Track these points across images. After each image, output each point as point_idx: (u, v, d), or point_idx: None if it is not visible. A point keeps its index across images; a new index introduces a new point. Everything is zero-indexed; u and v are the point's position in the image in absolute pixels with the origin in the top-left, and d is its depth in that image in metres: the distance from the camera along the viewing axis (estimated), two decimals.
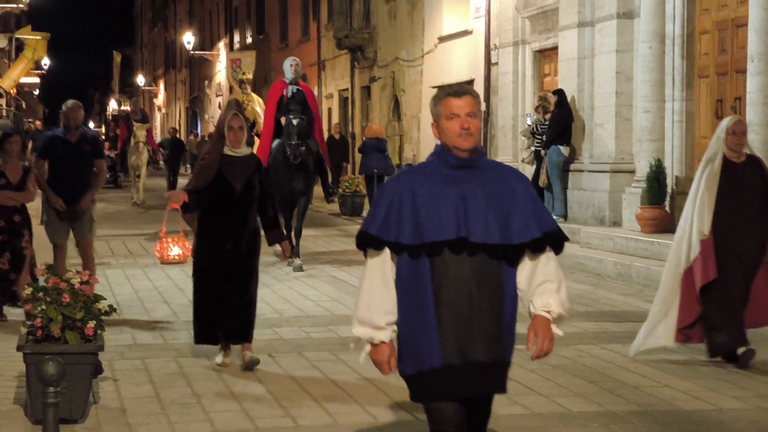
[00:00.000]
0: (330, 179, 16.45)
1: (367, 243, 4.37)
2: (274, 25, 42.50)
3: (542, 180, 17.15)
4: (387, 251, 4.32)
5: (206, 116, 57.33)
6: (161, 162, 32.83)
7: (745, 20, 13.37)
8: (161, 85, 75.88)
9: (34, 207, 12.31)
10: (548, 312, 4.44)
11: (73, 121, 10.59)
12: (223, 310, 8.27)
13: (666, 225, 14.59)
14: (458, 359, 4.25)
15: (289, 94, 14.77)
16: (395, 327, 4.34)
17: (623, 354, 9.05)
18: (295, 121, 14.31)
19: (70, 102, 10.75)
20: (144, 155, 26.80)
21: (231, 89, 24.90)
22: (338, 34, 31.66)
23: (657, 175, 14.59)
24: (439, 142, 4.43)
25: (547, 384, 8.02)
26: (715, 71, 14.55)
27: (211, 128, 52.78)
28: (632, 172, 15.96)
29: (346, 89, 33.09)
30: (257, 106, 18.28)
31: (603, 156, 16.48)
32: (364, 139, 24.36)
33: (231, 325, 8.32)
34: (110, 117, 55.14)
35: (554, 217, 16.78)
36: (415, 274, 4.28)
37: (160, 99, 76.50)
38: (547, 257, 4.45)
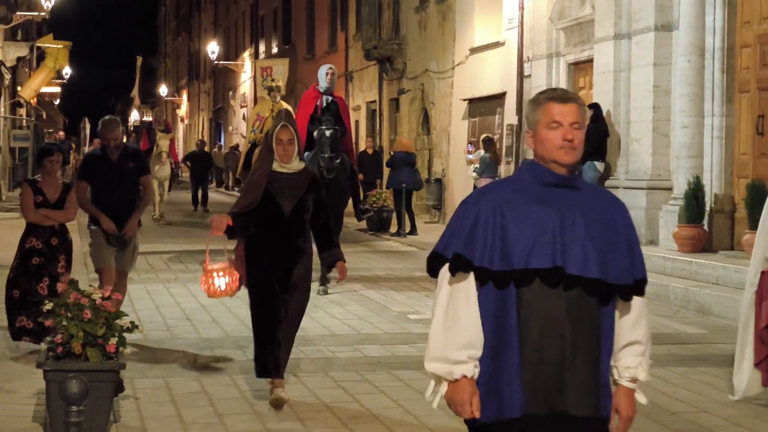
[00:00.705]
0: (362, 196, 16.41)
1: (456, 265, 3.79)
2: (301, 36, 42.66)
3: None
4: (472, 276, 3.79)
5: (230, 128, 57.53)
6: (183, 175, 32.50)
7: None
8: (184, 96, 76.25)
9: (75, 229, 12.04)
10: (634, 381, 3.93)
11: (113, 140, 9.79)
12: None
13: (704, 244, 14.52)
14: (545, 410, 3.77)
15: (324, 104, 14.41)
16: (478, 363, 3.81)
17: (661, 377, 8.98)
18: (328, 133, 13.88)
19: (106, 118, 9.98)
20: (167, 167, 26.57)
21: (257, 100, 24.82)
22: (366, 44, 31.71)
23: (695, 193, 14.52)
24: (528, 157, 3.96)
25: None
26: (756, 86, 14.47)
27: (236, 140, 53.09)
28: (669, 189, 15.89)
29: (374, 101, 33.14)
30: None
31: (639, 172, 16.42)
32: (392, 152, 24.38)
33: (275, 355, 7.79)
34: (131, 128, 55.37)
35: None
36: (499, 306, 3.78)
37: (183, 110, 76.87)
38: (640, 312, 3.92)
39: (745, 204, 13.52)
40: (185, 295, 13.48)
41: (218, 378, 8.78)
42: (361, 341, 10.53)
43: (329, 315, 12.18)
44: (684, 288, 13.08)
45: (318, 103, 14.40)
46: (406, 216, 22.90)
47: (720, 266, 13.21)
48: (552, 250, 3.75)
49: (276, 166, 7.64)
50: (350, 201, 15.32)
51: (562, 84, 19.88)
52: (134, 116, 75.29)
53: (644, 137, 16.31)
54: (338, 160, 13.98)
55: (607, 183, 17.08)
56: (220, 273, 7.33)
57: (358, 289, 14.31)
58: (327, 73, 14.60)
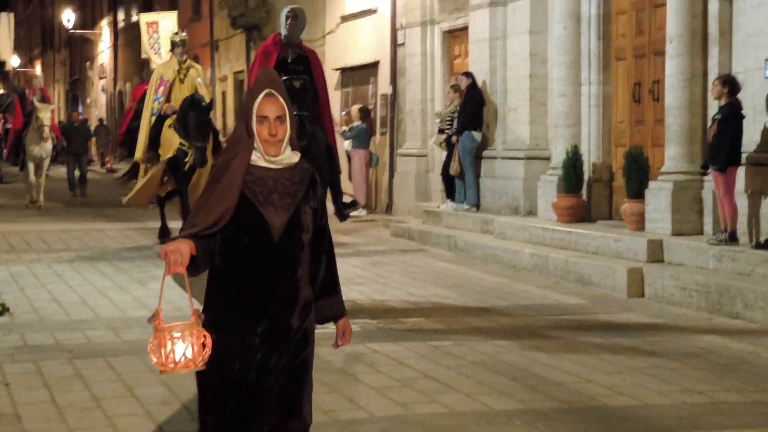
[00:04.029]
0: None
1: None
2: (163, 3, 42.10)
3: (454, 168, 17.34)
4: None
5: (88, 100, 56.57)
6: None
7: (663, 0, 13.66)
8: (38, 67, 74.62)
9: None
10: None
11: None
12: None
13: (583, 214, 14.88)
14: None
15: (289, 57, 11.60)
16: None
17: (544, 349, 9.24)
18: (297, 84, 11.13)
19: None
20: (48, 144, 23.20)
21: (149, 62, 22.01)
22: (233, 12, 31.48)
23: (573, 162, 14.85)
24: None
25: (467, 381, 8.15)
26: (632, 53, 14.85)
27: (96, 113, 52.23)
28: (547, 158, 16.24)
29: (242, 71, 32.95)
30: (199, 77, 16.22)
31: (517, 142, 16.73)
32: None
33: None
34: None
35: (465, 207, 17.06)
36: None
37: (39, 81, 75.13)
38: None
39: (623, 172, 13.89)
40: (51, 275, 13.31)
41: (92, 361, 8.72)
42: None
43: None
44: (564, 258, 13.40)
45: (280, 58, 11.57)
46: None
47: (599, 236, 13.56)
48: None
49: (257, 160, 4.76)
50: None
51: (437, 52, 20.07)
52: None
53: (521, 106, 16.62)
54: (305, 127, 11.07)
55: (485, 153, 17.36)
56: (180, 335, 4.49)
57: None
58: (287, 17, 11.67)
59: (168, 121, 15.73)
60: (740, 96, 11.96)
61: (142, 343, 9.31)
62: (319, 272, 4.89)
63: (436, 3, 20.05)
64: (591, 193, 15.14)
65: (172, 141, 15.62)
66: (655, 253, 12.58)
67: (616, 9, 15.14)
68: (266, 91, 4.73)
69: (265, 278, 4.68)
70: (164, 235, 16.34)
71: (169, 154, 15.59)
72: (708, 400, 7.65)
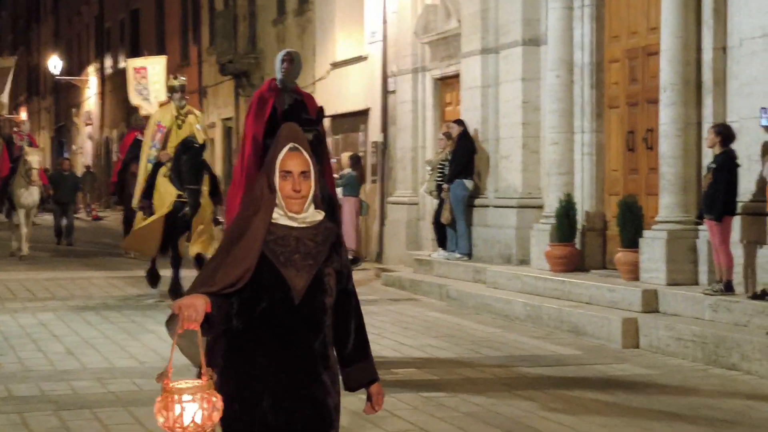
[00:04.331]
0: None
1: None
2: (151, 49, 42.09)
3: (445, 217, 17.35)
4: None
5: (74, 147, 56.58)
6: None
7: (656, 48, 13.75)
8: (23, 114, 74.72)
9: None
10: None
11: None
12: None
13: (576, 263, 14.88)
14: None
15: (285, 105, 10.93)
16: None
17: (538, 401, 9.20)
18: (309, 135, 9.94)
19: None
20: (36, 191, 22.54)
21: (138, 109, 21.17)
22: (221, 58, 31.63)
23: (567, 211, 14.87)
24: None
25: None
26: (625, 101, 14.93)
27: (82, 160, 52.20)
28: (540, 207, 16.26)
29: (230, 118, 33.05)
30: (198, 123, 15.57)
31: (509, 190, 16.76)
32: None
33: None
34: None
35: (457, 256, 17.04)
36: None
37: (26, 127, 75.18)
38: None
39: (617, 221, 13.92)
40: (35, 325, 13.24)
41: (78, 412, 8.65)
42: None
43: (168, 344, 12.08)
44: (558, 308, 13.39)
45: (276, 104, 10.94)
46: None
47: (593, 285, 13.56)
48: None
49: (279, 218, 4.57)
50: None
51: (429, 99, 20.15)
52: None
53: (514, 154, 16.66)
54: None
55: (477, 201, 17.38)
56: (190, 397, 4.13)
57: None
58: (283, 60, 11.07)
59: (162, 170, 15.16)
60: (735, 145, 12.02)
61: (128, 394, 9.30)
62: (347, 338, 4.65)
63: (427, 50, 20.15)
64: (584, 242, 15.15)
65: (166, 192, 15.03)
66: (650, 303, 12.58)
67: (609, 57, 15.24)
68: (290, 145, 4.55)
69: (284, 343, 4.43)
70: (154, 280, 16.06)
71: (164, 210, 14.97)
72: None
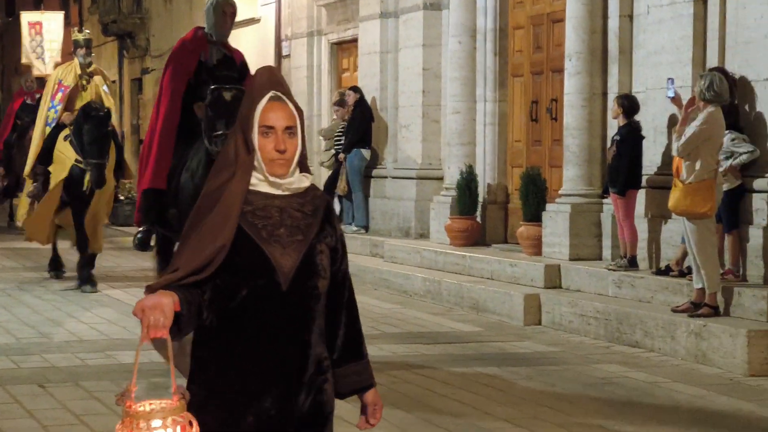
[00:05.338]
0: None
1: None
2: (28, 6, 41.48)
3: (341, 187, 17.35)
4: None
5: None
6: None
7: (562, 15, 13.88)
8: None
9: None
10: None
11: None
12: None
13: (477, 237, 15.02)
14: None
15: (213, 59, 9.65)
16: None
17: (439, 379, 9.30)
18: (228, 95, 8.97)
19: None
20: None
21: (30, 69, 20.15)
22: (104, 18, 31.18)
23: (468, 183, 14.97)
24: None
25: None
26: (529, 69, 15.05)
27: None
28: (440, 178, 16.36)
29: (114, 81, 32.57)
30: (104, 84, 14.88)
31: (408, 161, 16.83)
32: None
33: None
34: None
35: (354, 229, 17.09)
36: None
37: None
38: None
39: (519, 194, 14.07)
40: None
41: None
42: (113, 347, 10.43)
43: (74, 319, 12.00)
44: (458, 284, 13.50)
45: (202, 58, 9.67)
46: None
47: (494, 260, 13.70)
48: None
49: (258, 184, 3.85)
50: None
51: (325, 64, 20.11)
52: None
53: (413, 123, 16.73)
54: None
55: (375, 172, 17.42)
56: (160, 422, 3.43)
57: (103, 290, 14.10)
58: (224, 12, 9.74)
59: (65, 132, 14.18)
60: (641, 116, 12.21)
61: (5, 372, 9.18)
62: (337, 331, 3.96)
63: (323, 12, 20.09)
64: (486, 216, 15.29)
65: (66, 157, 14.01)
66: (553, 278, 12.76)
67: (513, 23, 15.33)
68: (271, 93, 3.81)
69: (269, 340, 3.75)
70: (56, 267, 15.16)
71: (63, 175, 13.98)
72: None
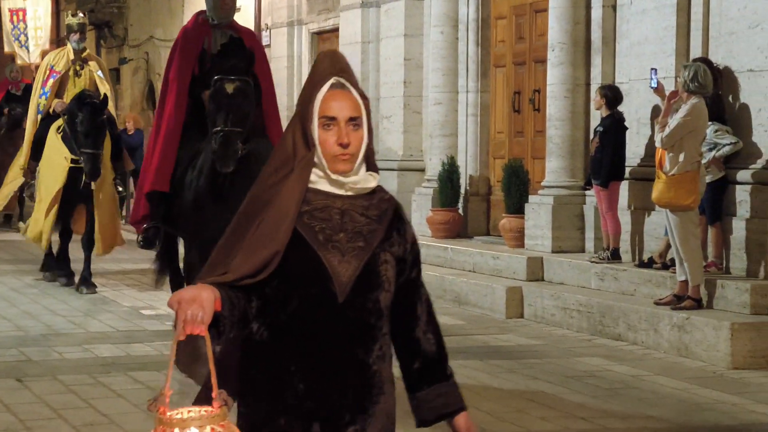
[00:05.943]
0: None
1: None
2: None
3: None
4: None
5: None
6: None
7: (545, 5, 13.89)
8: None
9: None
10: None
11: None
12: None
13: (459, 229, 15.04)
14: None
15: (217, 45, 8.99)
16: None
17: None
18: (230, 88, 8.37)
19: None
20: None
21: (13, 57, 19.76)
22: (82, 7, 31.08)
23: (450, 174, 15.00)
24: None
25: None
26: (512, 60, 15.07)
27: None
28: (422, 170, 16.37)
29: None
30: (99, 70, 14.27)
31: (389, 152, 16.83)
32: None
33: None
34: None
35: None
36: None
37: None
38: None
39: (502, 186, 14.10)
40: None
41: None
42: (91, 340, 10.44)
43: (50, 312, 11.98)
44: (439, 276, 13.53)
45: (205, 45, 9.17)
46: None
47: (476, 252, 13.74)
48: None
49: (317, 181, 3.47)
50: None
51: (306, 55, 20.10)
52: None
53: (395, 114, 16.74)
54: (246, 144, 8.40)
55: None
56: (197, 431, 3.10)
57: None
58: None
59: (57, 123, 13.53)
60: (624, 107, 12.25)
61: None
62: (417, 348, 3.56)
63: (304, 2, 20.08)
64: (468, 208, 15.32)
65: (58, 156, 13.27)
66: (535, 271, 12.80)
67: (495, 13, 15.35)
68: (333, 80, 3.45)
69: (323, 358, 3.36)
70: (54, 268, 14.15)
71: (60, 183, 13.20)
72: (591, 427, 7.82)
